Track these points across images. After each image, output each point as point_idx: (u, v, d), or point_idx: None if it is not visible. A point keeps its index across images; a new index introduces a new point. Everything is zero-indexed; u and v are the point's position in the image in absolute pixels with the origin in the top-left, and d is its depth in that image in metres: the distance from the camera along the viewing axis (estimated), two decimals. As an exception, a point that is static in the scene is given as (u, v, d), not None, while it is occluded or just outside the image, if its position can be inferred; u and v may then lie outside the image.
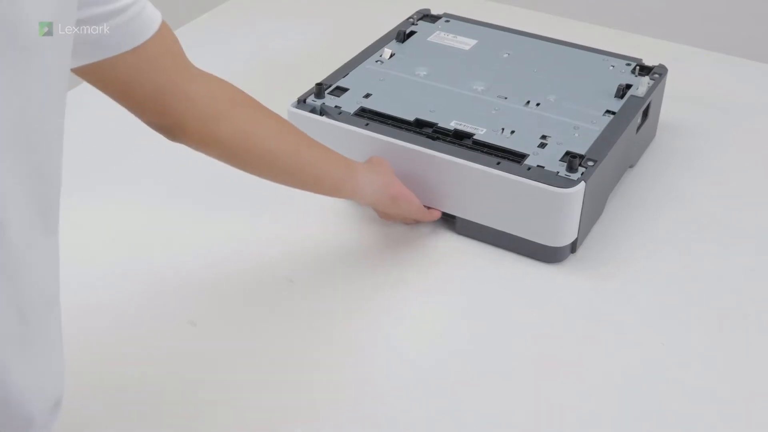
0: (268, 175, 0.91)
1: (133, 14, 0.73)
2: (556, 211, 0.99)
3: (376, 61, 1.20)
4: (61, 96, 0.64)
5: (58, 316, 0.68)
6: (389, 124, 1.08)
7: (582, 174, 0.99)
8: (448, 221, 1.07)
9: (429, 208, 1.06)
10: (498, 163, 1.01)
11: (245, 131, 0.86)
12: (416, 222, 1.08)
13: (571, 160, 0.99)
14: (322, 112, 1.10)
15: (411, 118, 1.08)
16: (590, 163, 1.01)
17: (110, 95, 0.78)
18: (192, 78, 0.82)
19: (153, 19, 0.76)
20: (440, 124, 1.07)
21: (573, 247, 1.04)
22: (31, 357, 0.66)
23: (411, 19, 1.30)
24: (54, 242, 0.66)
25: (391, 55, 1.21)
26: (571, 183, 0.98)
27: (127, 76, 0.76)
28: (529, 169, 1.00)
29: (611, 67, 1.19)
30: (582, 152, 1.03)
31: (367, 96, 1.12)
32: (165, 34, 0.77)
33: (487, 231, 1.04)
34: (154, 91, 0.79)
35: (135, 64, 0.75)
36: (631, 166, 1.18)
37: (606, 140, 1.05)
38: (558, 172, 0.99)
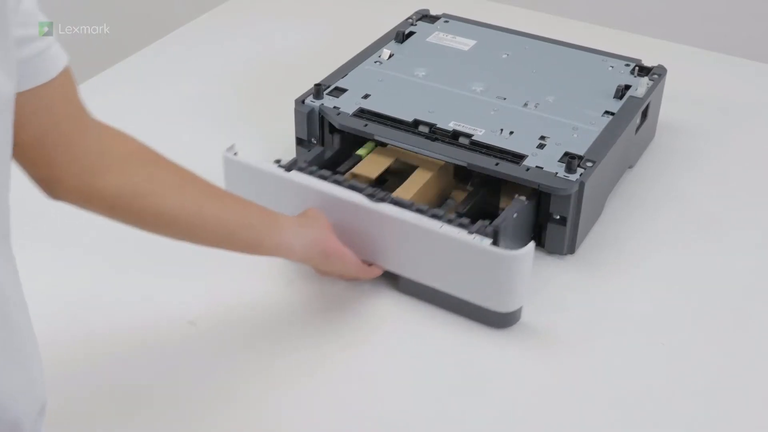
0: (168, 234, 0.83)
1: (37, 50, 0.67)
2: (503, 274, 0.90)
3: (375, 62, 1.20)
4: (8, 98, 0.61)
5: (31, 322, 0.68)
6: (388, 125, 1.08)
7: (581, 175, 0.99)
8: (393, 278, 0.99)
9: (369, 264, 0.98)
10: (497, 164, 1.01)
11: (134, 188, 0.78)
12: (356, 279, 0.99)
13: (570, 160, 0.99)
14: (320, 113, 1.10)
15: (410, 118, 1.08)
16: (589, 164, 1.01)
17: None
18: (83, 129, 0.74)
19: (57, 60, 0.70)
20: (439, 125, 1.07)
21: (571, 248, 1.04)
22: (15, 361, 0.66)
23: (410, 20, 1.30)
24: (7, 245, 0.65)
25: (390, 56, 1.21)
26: (570, 182, 0.98)
27: (16, 117, 0.67)
28: (527, 170, 1.00)
29: (610, 68, 1.19)
30: (581, 153, 1.03)
31: (366, 96, 1.12)
32: (66, 79, 0.71)
33: (432, 292, 0.96)
34: (40, 136, 0.71)
35: (27, 105, 0.68)
36: (630, 167, 1.18)
37: (605, 141, 1.05)
38: (557, 173, 0.99)
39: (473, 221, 0.93)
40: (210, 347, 0.93)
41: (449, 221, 0.93)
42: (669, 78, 1.20)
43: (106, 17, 1.73)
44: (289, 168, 0.99)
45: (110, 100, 1.33)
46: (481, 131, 1.06)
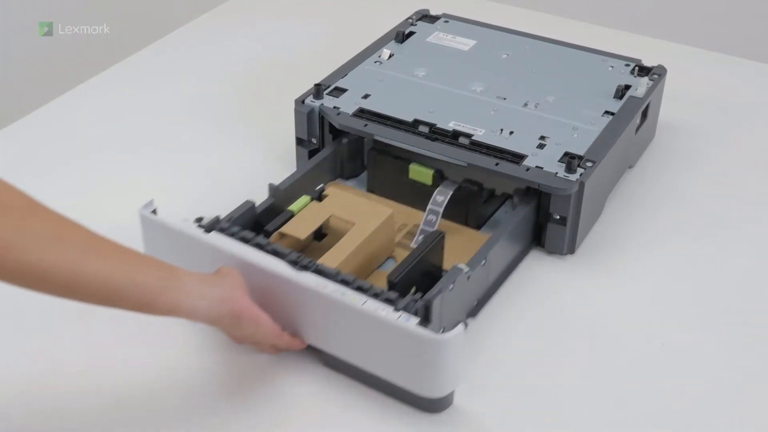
0: (41, 290, 0.74)
1: None
2: (430, 358, 0.81)
3: (375, 62, 1.20)
4: None
5: None
6: (387, 125, 1.08)
7: (581, 175, 0.99)
8: (318, 351, 0.90)
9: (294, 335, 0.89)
10: (497, 164, 1.01)
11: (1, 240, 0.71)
12: (277, 350, 0.90)
13: (570, 160, 0.99)
14: (320, 113, 1.10)
15: (410, 118, 1.08)
16: (589, 164, 1.01)
17: None
18: None
19: None
20: (439, 125, 1.07)
21: (571, 248, 1.04)
22: None
23: (410, 20, 1.30)
24: None
25: (390, 56, 1.21)
26: (570, 182, 0.98)
27: None
28: (527, 169, 1.00)
29: (610, 68, 1.19)
30: (581, 153, 1.03)
31: (366, 96, 1.12)
32: None
33: (357, 369, 0.87)
34: None
35: None
36: (630, 167, 1.18)
37: (605, 141, 1.05)
38: (557, 173, 0.99)
39: (407, 290, 0.87)
40: (211, 347, 0.93)
41: (376, 295, 0.84)
42: (669, 78, 1.20)
43: (106, 17, 1.74)
44: (209, 228, 0.92)
45: (110, 100, 1.34)
46: (481, 131, 1.06)
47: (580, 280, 1.02)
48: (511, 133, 1.06)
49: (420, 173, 1.06)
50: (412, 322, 0.80)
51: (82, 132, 1.26)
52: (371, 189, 1.11)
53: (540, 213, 1.03)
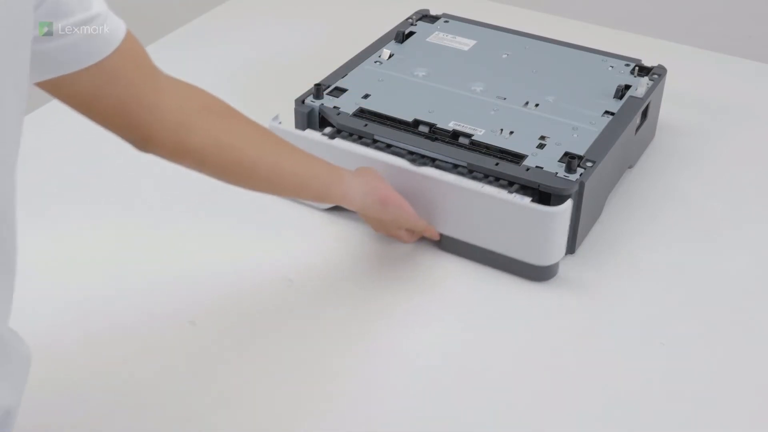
0: (246, 185, 0.89)
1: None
2: (542, 230, 0.97)
3: (375, 62, 1.20)
4: (18, 108, 0.62)
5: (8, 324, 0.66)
6: (387, 125, 1.08)
7: (581, 175, 0.99)
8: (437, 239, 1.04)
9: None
10: (497, 164, 1.01)
11: (219, 141, 0.83)
12: (413, 237, 1.05)
13: (570, 160, 0.99)
14: (320, 113, 1.10)
15: (410, 118, 1.08)
16: (589, 164, 1.01)
17: (73, 108, 0.75)
18: (159, 88, 0.79)
19: (116, 32, 0.72)
20: (439, 125, 1.07)
21: (571, 248, 1.04)
22: None
23: (410, 20, 1.30)
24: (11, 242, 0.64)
25: (390, 56, 1.21)
26: (570, 182, 0.98)
27: (89, 90, 0.73)
28: (527, 169, 1.00)
29: (610, 68, 1.19)
30: (581, 153, 1.03)
31: (366, 96, 1.12)
32: (129, 46, 0.74)
33: (473, 249, 1.03)
34: (119, 104, 0.76)
35: (96, 78, 0.72)
36: (630, 167, 1.18)
37: (605, 141, 1.05)
38: (557, 173, 0.99)
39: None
40: (209, 347, 0.93)
41: (489, 183, 0.99)
42: (669, 78, 1.20)
43: (106, 17, 1.73)
44: (332, 136, 1.07)
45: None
46: (481, 131, 1.06)
47: (580, 280, 1.02)
48: (511, 133, 1.06)
49: None
50: (526, 200, 0.96)
51: (82, 132, 1.26)
52: None
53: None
